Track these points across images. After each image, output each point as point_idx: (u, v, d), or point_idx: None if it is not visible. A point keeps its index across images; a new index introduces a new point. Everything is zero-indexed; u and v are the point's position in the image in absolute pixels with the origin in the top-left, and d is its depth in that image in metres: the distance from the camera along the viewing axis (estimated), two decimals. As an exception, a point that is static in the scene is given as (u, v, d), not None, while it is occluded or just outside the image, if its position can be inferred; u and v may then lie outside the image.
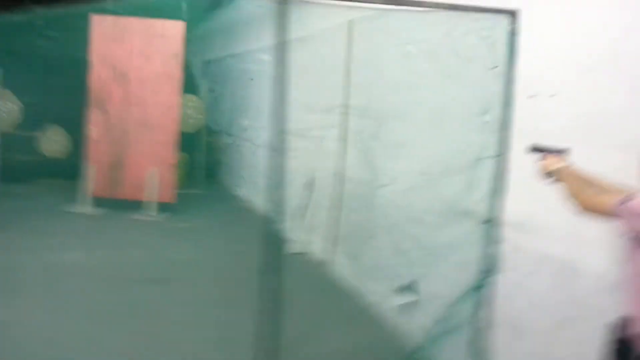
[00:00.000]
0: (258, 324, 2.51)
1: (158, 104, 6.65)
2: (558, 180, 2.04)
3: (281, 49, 2.32)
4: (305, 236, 5.49)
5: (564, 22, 2.61)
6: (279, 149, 6.40)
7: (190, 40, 10.85)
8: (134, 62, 6.64)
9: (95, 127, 6.70)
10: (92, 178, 6.70)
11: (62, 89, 7.50)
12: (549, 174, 2.10)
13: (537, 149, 2.23)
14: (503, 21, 2.63)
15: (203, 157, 8.71)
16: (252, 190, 7.69)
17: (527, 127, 2.72)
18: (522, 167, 2.75)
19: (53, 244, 5.25)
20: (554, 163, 2.10)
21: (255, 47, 7.44)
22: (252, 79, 7.68)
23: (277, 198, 6.42)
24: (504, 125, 2.66)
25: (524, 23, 2.66)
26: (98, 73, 6.66)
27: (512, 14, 2.64)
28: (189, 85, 8.49)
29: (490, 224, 2.70)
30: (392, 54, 4.13)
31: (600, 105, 2.38)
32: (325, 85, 5.18)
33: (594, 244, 2.31)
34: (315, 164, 5.45)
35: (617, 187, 1.90)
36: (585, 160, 2.34)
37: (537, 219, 2.66)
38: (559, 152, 2.15)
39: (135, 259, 5.01)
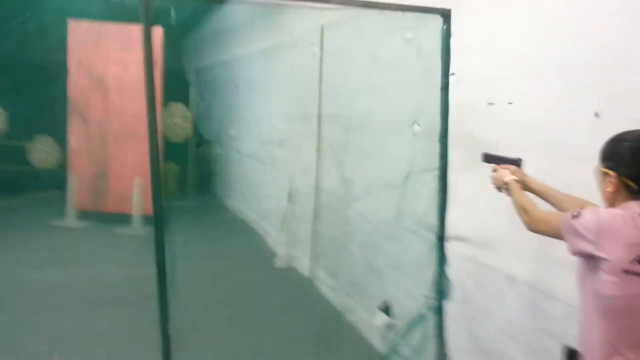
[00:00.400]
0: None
1: (138, 113, 6.50)
2: (509, 192, 1.86)
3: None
4: (289, 250, 5.32)
5: (515, 27, 2.44)
6: (262, 159, 6.27)
7: (182, 48, 10.86)
8: (112, 69, 6.52)
9: (75, 136, 6.58)
10: (75, 190, 6.59)
11: (48, 97, 7.43)
12: (502, 186, 1.92)
13: (489, 158, 2.05)
14: (436, 22, 2.45)
15: (193, 167, 8.58)
16: (241, 201, 7.54)
17: (485, 136, 2.55)
18: (485, 179, 2.58)
19: (30, 260, 5.13)
20: (505, 175, 1.92)
21: (240, 53, 7.31)
22: (237, 87, 7.55)
23: (262, 210, 6.29)
24: (442, 134, 2.47)
25: (481, 27, 2.48)
26: (76, 80, 6.54)
27: (444, 14, 2.45)
28: (178, 94, 8.38)
29: (440, 241, 2.50)
30: (353, 59, 3.97)
31: (553, 114, 2.20)
32: (303, 92, 5.02)
33: (566, 265, 2.12)
34: (296, 174, 5.28)
35: (582, 201, 1.72)
36: (544, 171, 2.19)
37: (504, 235, 2.46)
38: (512, 162, 1.96)
39: (109, 276, 4.87)
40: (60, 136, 7.39)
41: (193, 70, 10.39)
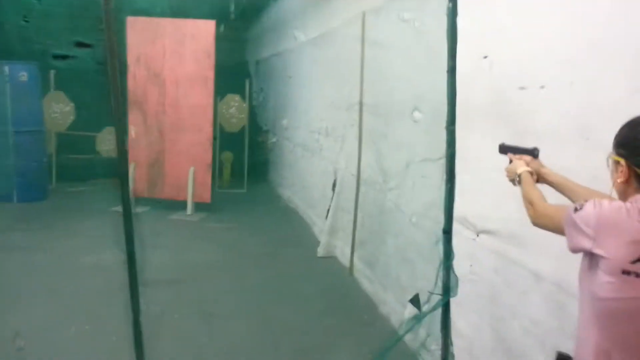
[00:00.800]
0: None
1: (192, 104, 6.71)
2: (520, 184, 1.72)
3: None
4: (331, 240, 5.28)
5: (545, 5, 2.23)
6: (310, 148, 6.27)
7: (245, 41, 11.06)
8: (168, 62, 6.74)
9: (134, 127, 6.89)
10: (134, 178, 6.90)
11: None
12: (515, 178, 1.78)
13: (505, 149, 1.90)
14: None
15: (249, 157, 8.74)
16: (292, 190, 7.59)
17: (518, 121, 2.37)
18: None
19: (84, 244, 5.44)
20: (519, 166, 1.77)
21: (293, 44, 7.31)
22: (290, 77, 7.57)
23: (309, 199, 6.30)
24: (449, 120, 2.29)
25: (511, 6, 2.29)
26: (135, 74, 6.83)
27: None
28: (239, 86, 8.56)
29: (446, 235, 2.33)
30: (390, 46, 3.83)
31: (587, 100, 1.99)
32: (347, 81, 4.93)
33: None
34: (339, 164, 5.22)
35: (601, 195, 1.55)
36: (574, 159, 2.01)
37: (531, 230, 2.28)
38: (528, 152, 1.81)
39: (155, 259, 5.05)
40: (125, 126, 7.81)
41: (253, 63, 10.56)
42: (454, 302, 2.83)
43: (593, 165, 1.93)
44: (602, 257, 1.23)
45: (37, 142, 7.32)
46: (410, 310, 3.39)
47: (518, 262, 2.39)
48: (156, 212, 6.82)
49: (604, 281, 1.23)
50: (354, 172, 4.69)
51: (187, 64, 6.69)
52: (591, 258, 1.27)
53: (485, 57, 2.62)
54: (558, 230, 1.40)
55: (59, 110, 8.15)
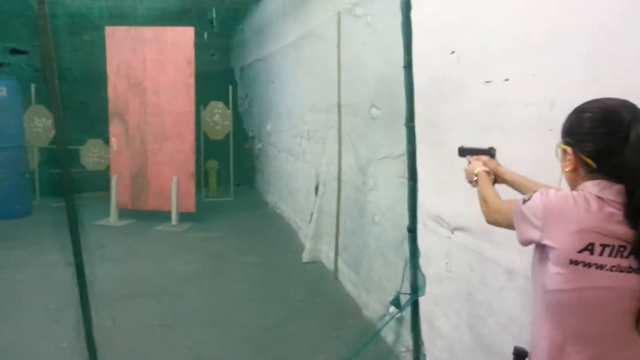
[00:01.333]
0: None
1: (173, 113, 6.66)
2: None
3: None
4: (316, 244, 5.24)
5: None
6: (293, 153, 6.23)
7: (230, 49, 11.03)
8: (148, 71, 6.69)
9: (116, 138, 6.83)
10: (118, 190, 6.84)
11: (92, 101, 7.77)
12: (472, 179, 1.75)
13: (463, 152, 1.89)
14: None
15: (235, 164, 8.68)
16: (278, 196, 7.55)
17: (483, 116, 2.35)
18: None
19: (71, 260, 5.35)
20: (476, 166, 1.75)
21: (274, 48, 7.29)
22: (273, 82, 7.54)
23: (294, 204, 6.25)
24: (408, 117, 2.26)
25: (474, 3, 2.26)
26: (115, 84, 6.78)
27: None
28: (218, 92, 8.51)
29: (412, 231, 2.29)
30: (364, 45, 3.81)
31: (548, 90, 1.97)
32: (325, 82, 4.90)
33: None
34: (321, 167, 5.18)
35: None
36: (538, 151, 1.99)
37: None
38: (485, 152, 1.79)
39: (138, 272, 4.99)
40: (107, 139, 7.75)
41: (238, 69, 10.53)
42: (432, 301, 2.79)
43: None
44: (550, 247, 1.19)
45: (19, 157, 7.24)
46: (393, 312, 3.35)
47: (491, 259, 2.36)
48: (141, 224, 6.75)
49: (553, 272, 1.20)
50: (336, 174, 4.65)
51: (168, 72, 6.64)
52: (542, 250, 1.24)
53: (453, 52, 2.60)
54: (511, 225, 1.37)
55: (41, 125, 8.06)
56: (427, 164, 2.79)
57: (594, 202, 1.19)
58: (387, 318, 2.42)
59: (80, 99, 8.15)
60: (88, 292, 2.16)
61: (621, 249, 1.16)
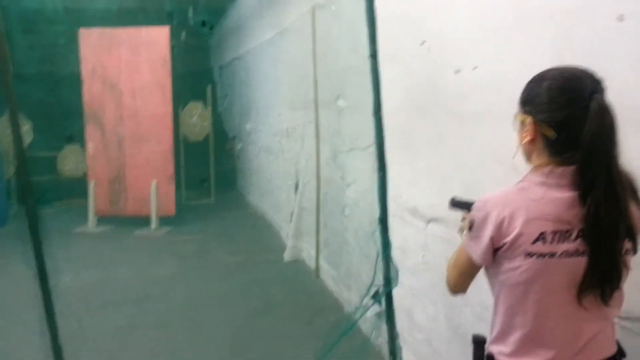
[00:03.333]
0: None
1: (150, 115, 6.56)
2: None
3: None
4: (297, 243, 5.20)
5: None
6: (273, 151, 6.18)
7: (209, 48, 10.93)
8: (123, 73, 6.59)
9: (92, 143, 6.71)
10: (95, 196, 6.72)
11: (68, 106, 7.61)
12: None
13: (456, 204, 1.78)
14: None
15: (216, 165, 8.60)
16: (259, 196, 7.49)
17: (458, 105, 2.33)
18: (457, 156, 2.36)
19: (48, 268, 5.24)
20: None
21: (252, 46, 7.23)
22: (251, 80, 7.47)
23: (275, 204, 6.20)
24: (375, 107, 2.23)
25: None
26: (90, 88, 6.66)
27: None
28: (197, 93, 8.42)
29: (383, 223, 2.27)
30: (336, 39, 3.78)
31: (517, 76, 1.95)
32: (301, 79, 4.86)
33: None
34: (300, 164, 5.14)
35: None
36: (509, 138, 1.96)
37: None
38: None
39: (119, 278, 4.90)
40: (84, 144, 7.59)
41: (217, 68, 10.43)
42: (409, 293, 2.77)
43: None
44: (504, 247, 1.18)
45: (-6, 166, 7.09)
46: (374, 308, 3.32)
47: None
48: (120, 230, 6.63)
49: (509, 268, 1.19)
50: (314, 171, 4.62)
51: (143, 73, 6.55)
52: (494, 253, 1.22)
53: (423, 42, 2.58)
54: (468, 269, 1.30)
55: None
56: (403, 155, 2.77)
57: (537, 189, 1.17)
58: (361, 311, 2.38)
59: (57, 102, 8.00)
60: (53, 304, 2.07)
61: (568, 233, 1.15)
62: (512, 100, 2.00)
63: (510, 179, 1.98)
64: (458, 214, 2.36)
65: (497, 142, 2.07)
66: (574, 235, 1.15)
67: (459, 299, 2.39)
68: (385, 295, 2.26)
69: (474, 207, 1.25)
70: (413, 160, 2.72)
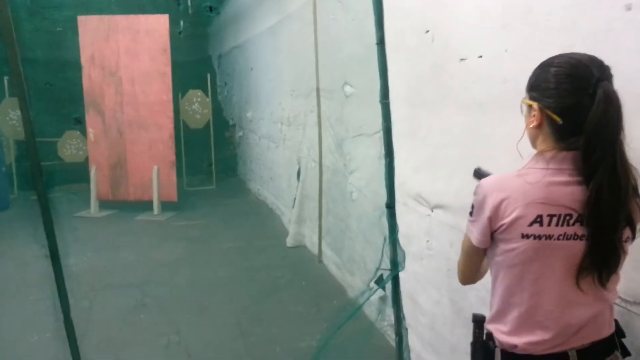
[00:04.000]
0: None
1: (150, 102, 6.58)
2: None
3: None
4: (299, 229, 5.25)
5: None
6: (274, 139, 6.22)
7: (208, 36, 10.89)
8: (123, 60, 6.58)
9: (93, 129, 6.73)
10: (97, 181, 6.75)
11: (68, 92, 7.60)
12: None
13: (479, 175, 1.80)
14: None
15: (217, 152, 8.62)
16: (260, 183, 7.53)
17: (463, 94, 2.36)
18: (464, 145, 2.40)
19: (46, 251, 5.28)
20: None
21: (252, 35, 7.21)
22: (251, 69, 7.47)
23: (277, 190, 6.26)
24: (382, 94, 2.26)
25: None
26: (90, 74, 6.65)
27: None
28: (197, 81, 8.42)
29: (390, 208, 2.31)
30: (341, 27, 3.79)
31: (521, 66, 1.98)
32: (303, 67, 4.88)
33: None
34: (302, 152, 5.17)
35: None
36: (513, 127, 2.01)
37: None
38: None
39: (121, 262, 4.95)
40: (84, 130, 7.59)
41: (216, 57, 10.41)
42: (413, 279, 2.83)
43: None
44: (502, 228, 1.22)
45: (-5, 151, 7.10)
46: (379, 292, 3.38)
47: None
48: (122, 214, 6.69)
49: (506, 249, 1.24)
50: (317, 159, 4.66)
51: (143, 61, 6.55)
52: (492, 235, 1.27)
53: (427, 31, 2.61)
54: (471, 253, 1.36)
55: (16, 117, 7.88)
56: (407, 142, 2.81)
57: (537, 173, 1.21)
58: (367, 294, 2.44)
59: (55, 88, 7.99)
60: (64, 281, 2.12)
61: (567, 217, 1.18)
62: (517, 90, 2.04)
63: (516, 168, 2.04)
64: (463, 200, 2.43)
65: (503, 131, 2.11)
66: (573, 220, 1.18)
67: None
68: (392, 279, 2.30)
69: (476, 193, 1.29)
70: (418, 148, 2.76)
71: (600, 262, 1.19)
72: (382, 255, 2.34)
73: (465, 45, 2.33)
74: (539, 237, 1.18)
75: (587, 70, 1.17)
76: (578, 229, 1.18)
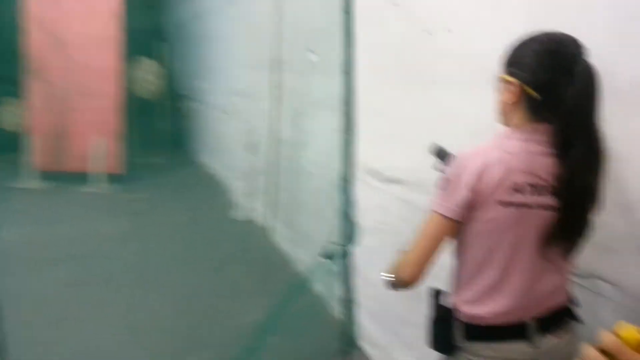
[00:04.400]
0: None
1: (98, 69, 6.23)
2: None
3: None
4: (250, 202, 5.16)
5: None
6: (227, 111, 6.05)
7: (161, 4, 10.42)
8: (71, 25, 6.18)
9: (34, 96, 6.32)
10: (36, 150, 6.38)
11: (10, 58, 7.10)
12: None
13: (440, 154, 1.67)
14: None
15: (166, 124, 8.34)
16: (210, 156, 7.35)
17: (428, 68, 2.33)
18: (421, 119, 2.38)
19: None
20: None
21: (209, 3, 6.95)
22: (207, 39, 7.22)
23: (228, 163, 6.12)
24: (346, 63, 2.20)
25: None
26: (33, 38, 6.22)
27: None
28: (151, 50, 8.07)
29: (346, 182, 2.27)
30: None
31: (489, 43, 1.96)
32: (264, 38, 4.72)
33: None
34: (257, 125, 5.05)
35: None
36: (479, 104, 1.99)
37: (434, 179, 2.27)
38: None
39: (62, 235, 4.71)
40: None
41: (172, 25, 10.01)
42: (365, 253, 2.81)
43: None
44: (481, 195, 1.20)
45: None
46: (329, 267, 3.36)
47: (425, 209, 2.38)
48: (65, 186, 6.34)
49: (485, 219, 1.21)
50: (271, 132, 4.56)
51: (92, 26, 6.17)
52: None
53: (395, 2, 2.54)
54: (438, 233, 1.28)
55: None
56: (366, 116, 2.76)
57: (515, 143, 1.21)
58: (316, 268, 2.40)
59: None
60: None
61: (541, 188, 1.19)
62: (484, 67, 2.01)
63: (476, 144, 2.02)
64: (419, 175, 2.42)
65: (467, 109, 2.09)
66: (547, 191, 1.19)
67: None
68: (342, 253, 2.27)
69: (451, 166, 1.27)
70: (377, 122, 2.71)
71: (569, 235, 1.21)
72: (335, 230, 2.30)
73: (433, 18, 2.28)
74: (519, 205, 1.18)
75: (567, 47, 1.18)
76: (551, 200, 1.19)
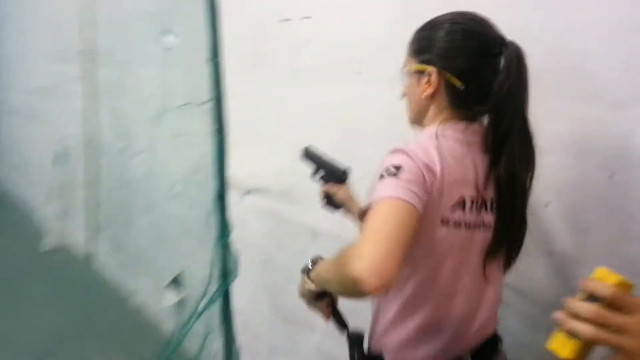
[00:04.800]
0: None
1: None
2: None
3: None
4: (62, 226, 4.30)
5: None
6: (22, 114, 5.00)
7: None
8: None
9: None
10: None
11: None
12: (334, 203, 1.40)
13: (310, 156, 1.47)
14: None
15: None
16: (6, 170, 6.07)
17: (285, 59, 2.07)
18: (287, 117, 2.12)
19: None
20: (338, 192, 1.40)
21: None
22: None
23: (27, 179, 5.06)
24: (212, 51, 1.87)
25: None
26: None
27: None
28: None
29: (221, 201, 1.92)
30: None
31: (358, 30, 1.80)
32: (72, 25, 3.96)
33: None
34: (67, 130, 4.23)
35: None
36: (348, 95, 1.80)
37: (305, 183, 2.01)
38: (334, 172, 1.42)
39: None
40: None
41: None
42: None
43: (369, 101, 1.76)
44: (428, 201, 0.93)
45: None
46: (171, 297, 2.88)
47: (292, 221, 2.13)
48: None
49: (424, 240, 0.95)
50: (87, 137, 3.84)
51: None
52: None
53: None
54: (405, 226, 0.86)
55: None
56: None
57: (456, 146, 0.99)
58: (192, 314, 1.91)
59: None
60: None
61: (484, 203, 1.00)
62: (351, 56, 1.85)
63: (349, 145, 1.82)
64: (285, 181, 2.15)
65: (335, 102, 1.90)
66: (489, 205, 1.01)
67: (282, 276, 2.17)
68: (222, 292, 1.83)
69: (389, 153, 0.96)
70: (229, 122, 2.36)
71: (512, 241, 1.03)
72: (212, 263, 1.86)
73: (288, 4, 2.04)
74: (459, 224, 0.96)
75: (489, 28, 1.01)
76: (490, 215, 1.01)
